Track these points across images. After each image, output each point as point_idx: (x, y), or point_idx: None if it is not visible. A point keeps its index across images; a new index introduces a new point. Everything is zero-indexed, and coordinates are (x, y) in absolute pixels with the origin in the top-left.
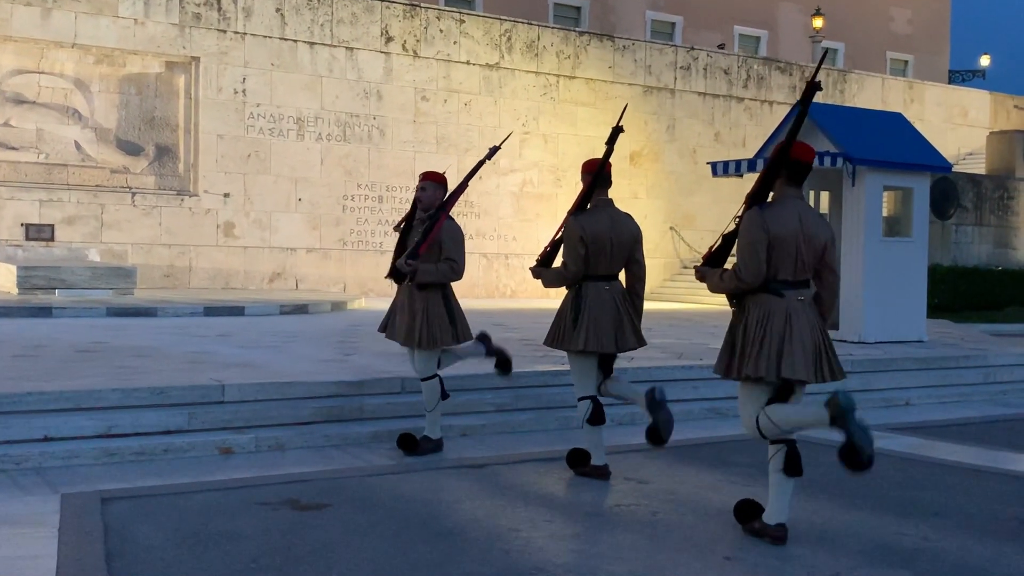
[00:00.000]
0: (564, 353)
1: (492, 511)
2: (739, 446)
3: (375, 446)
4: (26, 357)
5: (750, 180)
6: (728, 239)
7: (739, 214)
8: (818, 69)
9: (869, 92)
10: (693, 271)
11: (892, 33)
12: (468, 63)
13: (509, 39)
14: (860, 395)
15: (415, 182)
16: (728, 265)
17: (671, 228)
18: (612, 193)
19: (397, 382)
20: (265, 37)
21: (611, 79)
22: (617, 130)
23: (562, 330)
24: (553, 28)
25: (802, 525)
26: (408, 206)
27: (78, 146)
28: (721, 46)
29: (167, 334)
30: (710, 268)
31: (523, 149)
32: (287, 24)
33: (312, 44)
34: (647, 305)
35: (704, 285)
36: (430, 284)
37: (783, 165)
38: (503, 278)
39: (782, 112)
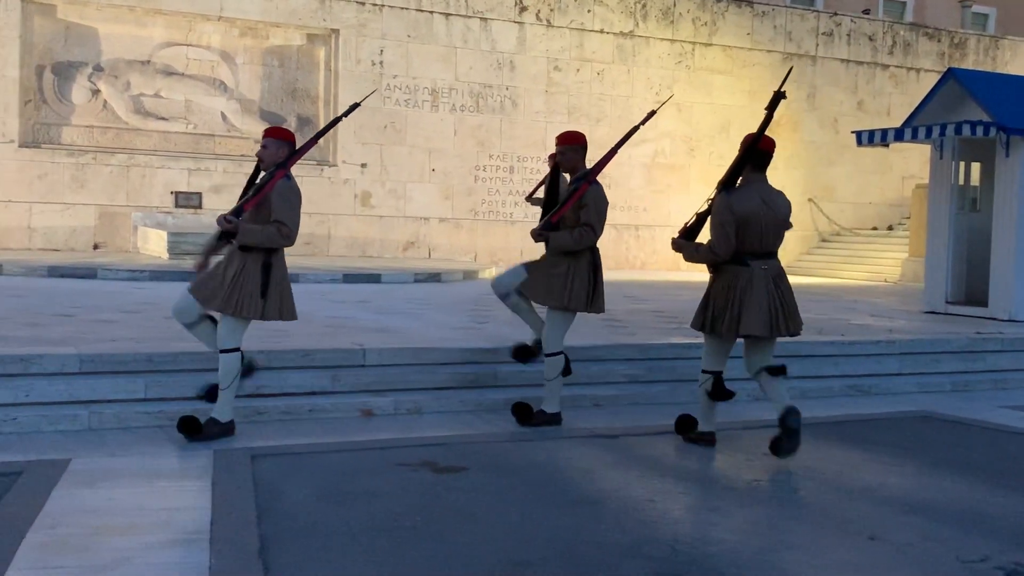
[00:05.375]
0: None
1: (626, 481)
2: (881, 424)
3: (509, 413)
4: None
5: (896, 150)
6: (701, 217)
7: (711, 197)
8: (784, 81)
9: (1022, 59)
10: (671, 242)
11: None
12: (602, 31)
13: (644, 6)
14: (1011, 375)
15: (546, 153)
16: (701, 240)
17: (810, 200)
18: None
19: None
20: (402, 9)
21: (749, 46)
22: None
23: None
24: None
25: (952, 506)
26: (540, 176)
27: (224, 117)
28: (866, 11)
29: (309, 299)
30: (685, 241)
31: (656, 119)
32: None
33: (448, 15)
34: None
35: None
36: (254, 247)
37: (752, 155)
38: (633, 250)
39: (930, 80)
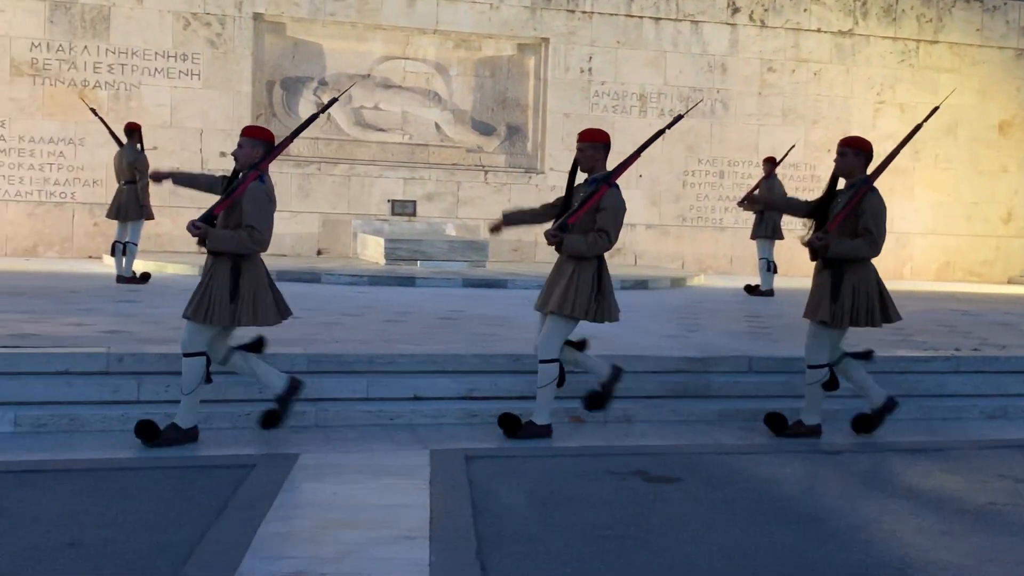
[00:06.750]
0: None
1: (849, 500)
2: None
3: (723, 423)
4: (395, 322)
5: None
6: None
7: (855, 194)
8: (925, 120)
9: None
10: (812, 239)
11: None
12: (819, 31)
13: (864, 4)
14: None
15: (758, 157)
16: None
17: None
18: (976, 165)
19: (744, 361)
20: (611, 15)
21: (978, 43)
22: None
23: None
24: None
25: None
26: (752, 181)
27: (437, 127)
28: None
29: (516, 305)
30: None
31: (877, 120)
32: (633, 1)
33: (657, 20)
34: (1012, 289)
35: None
36: (222, 252)
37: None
38: None
39: None
